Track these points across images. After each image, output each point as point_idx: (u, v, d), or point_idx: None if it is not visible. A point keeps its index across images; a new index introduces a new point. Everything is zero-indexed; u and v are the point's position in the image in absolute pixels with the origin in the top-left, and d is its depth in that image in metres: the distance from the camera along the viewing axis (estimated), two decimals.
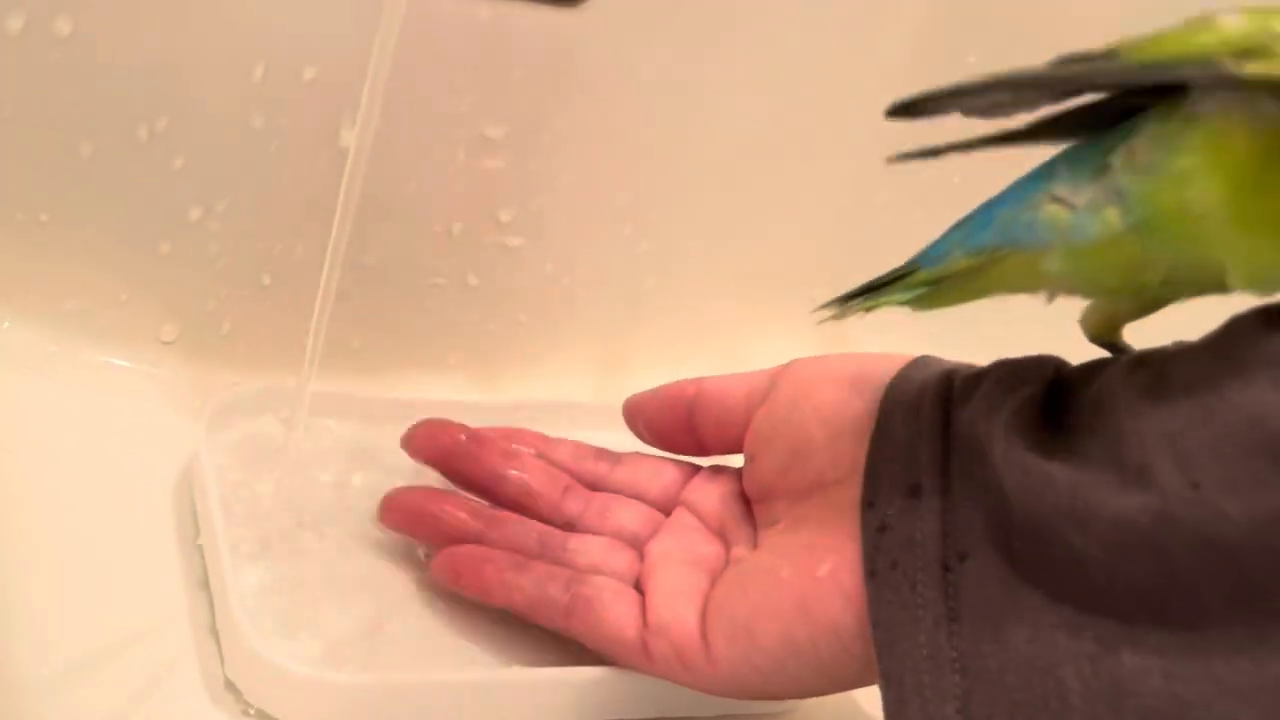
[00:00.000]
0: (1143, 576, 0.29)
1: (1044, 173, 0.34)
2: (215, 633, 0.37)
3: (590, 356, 0.53)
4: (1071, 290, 0.34)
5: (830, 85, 0.54)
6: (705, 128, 0.52)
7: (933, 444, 0.35)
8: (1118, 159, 0.31)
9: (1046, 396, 0.34)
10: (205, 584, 0.39)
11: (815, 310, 0.38)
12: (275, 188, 0.46)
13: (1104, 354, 0.35)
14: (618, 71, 0.49)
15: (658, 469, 0.44)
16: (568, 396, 0.50)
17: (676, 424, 0.43)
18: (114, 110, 0.44)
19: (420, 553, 0.42)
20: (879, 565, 0.34)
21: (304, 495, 0.42)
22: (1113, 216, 0.31)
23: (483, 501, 0.43)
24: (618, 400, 0.45)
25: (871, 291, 0.37)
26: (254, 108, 0.45)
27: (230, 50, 0.44)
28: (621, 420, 0.44)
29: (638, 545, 0.42)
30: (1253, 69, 0.28)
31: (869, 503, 0.35)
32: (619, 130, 0.50)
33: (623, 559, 0.41)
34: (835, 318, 0.38)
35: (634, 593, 0.39)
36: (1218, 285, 0.31)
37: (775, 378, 0.41)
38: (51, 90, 0.43)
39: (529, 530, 0.41)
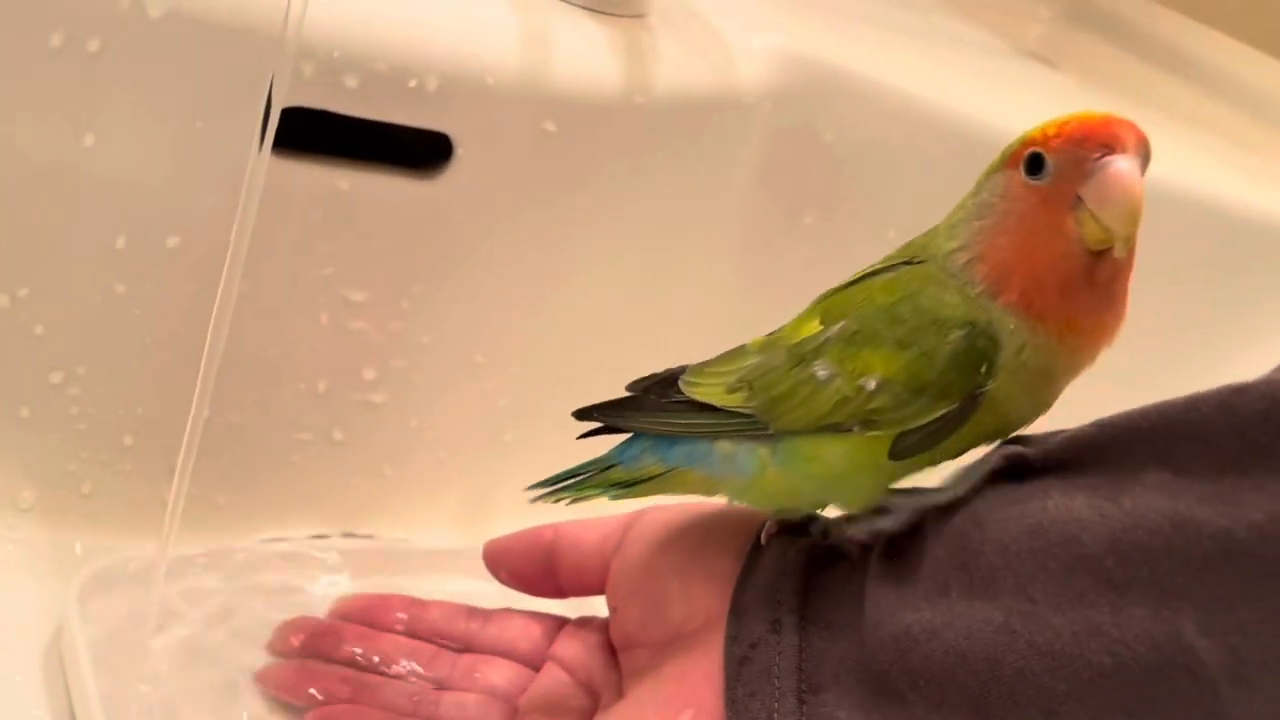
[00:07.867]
0: (973, 686, 0.31)
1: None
2: None
3: (453, 508, 0.54)
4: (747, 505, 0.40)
5: (683, 247, 0.57)
6: (560, 289, 0.54)
7: (794, 582, 0.36)
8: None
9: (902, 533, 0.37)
10: None
11: (527, 489, 0.42)
12: (138, 352, 0.47)
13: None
14: (475, 237, 0.51)
15: (526, 625, 0.45)
16: (431, 546, 0.51)
17: (536, 570, 0.44)
18: None
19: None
20: (739, 695, 0.35)
21: (176, 657, 0.42)
22: (765, 455, 0.37)
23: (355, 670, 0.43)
24: (479, 549, 0.45)
25: (576, 480, 0.41)
26: (116, 275, 0.46)
27: (93, 220, 0.45)
28: (483, 566, 0.45)
29: (510, 701, 0.42)
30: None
31: (732, 637, 0.37)
32: (478, 292, 0.52)
33: (496, 713, 0.42)
34: (545, 499, 0.42)
35: None
36: (845, 506, 0.38)
37: (628, 525, 0.43)
38: None
39: (403, 690, 0.42)
